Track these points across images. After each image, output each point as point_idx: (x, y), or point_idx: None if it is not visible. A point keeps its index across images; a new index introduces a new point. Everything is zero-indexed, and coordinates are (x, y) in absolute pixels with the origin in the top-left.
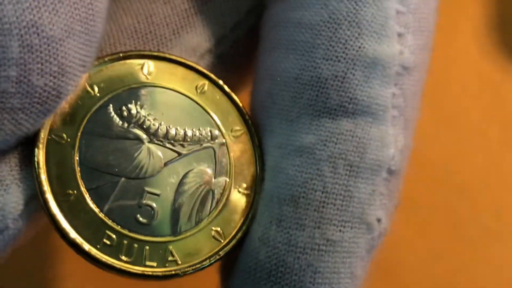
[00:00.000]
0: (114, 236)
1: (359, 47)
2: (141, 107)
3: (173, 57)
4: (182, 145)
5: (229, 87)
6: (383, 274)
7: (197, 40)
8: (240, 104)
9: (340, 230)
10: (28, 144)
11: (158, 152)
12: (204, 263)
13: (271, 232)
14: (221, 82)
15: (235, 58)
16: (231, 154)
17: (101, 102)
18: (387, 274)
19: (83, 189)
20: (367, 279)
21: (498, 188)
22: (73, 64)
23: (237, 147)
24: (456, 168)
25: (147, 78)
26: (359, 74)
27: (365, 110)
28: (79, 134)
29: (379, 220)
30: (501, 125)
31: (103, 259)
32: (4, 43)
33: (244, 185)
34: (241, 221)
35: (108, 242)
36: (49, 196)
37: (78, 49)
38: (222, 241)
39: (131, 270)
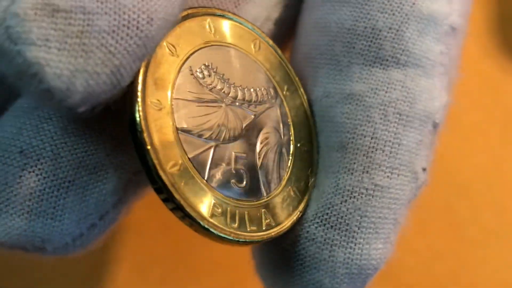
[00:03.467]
0: (219, 205)
1: (414, 3)
2: (215, 67)
3: (230, 15)
4: (255, 106)
5: (282, 50)
6: (383, 274)
7: (256, 9)
8: (287, 63)
9: (388, 176)
10: (119, 127)
11: (237, 113)
12: (290, 220)
13: (320, 178)
14: (272, 42)
15: (287, 21)
16: (289, 112)
17: (181, 63)
18: (387, 274)
19: (186, 158)
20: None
21: (498, 188)
22: None
23: (293, 104)
24: (456, 168)
25: (214, 36)
26: (413, 27)
27: (416, 63)
28: (171, 100)
29: (424, 170)
30: (502, 125)
31: (216, 230)
32: None
33: (303, 141)
34: (307, 175)
35: (217, 211)
36: (159, 169)
37: None
38: (299, 197)
39: (240, 238)
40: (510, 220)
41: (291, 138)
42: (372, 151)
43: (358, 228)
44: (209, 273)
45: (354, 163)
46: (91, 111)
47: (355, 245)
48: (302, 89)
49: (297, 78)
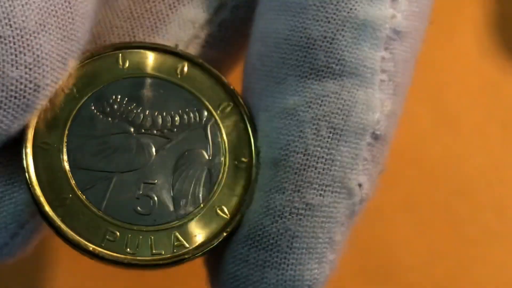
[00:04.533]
0: (117, 232)
1: (350, 9)
2: (123, 99)
3: (147, 44)
4: (171, 131)
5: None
6: (383, 274)
7: (194, 11)
8: (224, 79)
9: (320, 194)
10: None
11: (148, 141)
12: (213, 242)
13: (255, 197)
14: (200, 60)
15: (235, 24)
16: (224, 131)
17: (82, 101)
18: (387, 274)
19: (77, 191)
20: (348, 247)
21: (498, 188)
22: (49, 57)
23: (229, 121)
24: (456, 168)
25: (124, 70)
26: (348, 35)
27: (352, 72)
28: (64, 137)
29: (360, 185)
30: (501, 125)
31: (109, 256)
32: None
33: (242, 158)
34: (242, 193)
35: (111, 239)
36: (44, 204)
37: (54, 44)
38: (227, 217)
39: (138, 262)
40: (510, 220)
41: (224, 157)
42: (304, 169)
43: (290, 249)
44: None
45: (286, 181)
46: None
47: (287, 265)
48: (242, 104)
49: (236, 93)
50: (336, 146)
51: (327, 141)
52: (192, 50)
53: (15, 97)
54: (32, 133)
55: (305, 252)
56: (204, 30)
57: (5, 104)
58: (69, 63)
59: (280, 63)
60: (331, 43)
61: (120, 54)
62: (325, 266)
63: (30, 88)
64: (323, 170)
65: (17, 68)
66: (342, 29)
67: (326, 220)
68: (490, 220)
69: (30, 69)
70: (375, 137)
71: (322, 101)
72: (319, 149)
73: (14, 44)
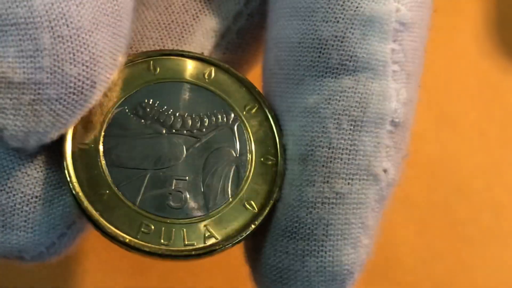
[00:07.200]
0: (151, 225)
1: (356, 7)
2: (155, 103)
3: (176, 51)
4: (200, 131)
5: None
6: (383, 274)
7: (216, 20)
8: (248, 82)
9: (348, 183)
10: None
11: (179, 140)
12: (242, 234)
13: (285, 191)
14: (226, 65)
15: (251, 31)
16: (250, 130)
17: (117, 105)
18: (387, 273)
19: (114, 187)
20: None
21: (497, 188)
22: (103, 54)
23: (255, 121)
24: (456, 167)
25: (156, 76)
26: (357, 32)
27: (365, 66)
28: (101, 138)
29: (385, 171)
30: (501, 125)
31: (145, 247)
32: (36, 35)
33: (268, 155)
34: (269, 188)
35: (146, 231)
36: (83, 199)
37: (107, 41)
38: (255, 211)
39: (172, 252)
40: (509, 220)
41: (251, 154)
42: (330, 161)
43: (326, 237)
44: (208, 273)
45: (315, 174)
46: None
47: (325, 253)
48: (267, 105)
49: (261, 95)
50: (358, 137)
51: (349, 133)
52: (215, 57)
53: (74, 93)
54: (71, 135)
55: (340, 238)
56: (225, 38)
57: (65, 100)
58: (119, 60)
59: (296, 65)
60: (342, 41)
61: (152, 61)
62: (360, 251)
63: (87, 85)
64: (348, 160)
65: (75, 66)
66: (351, 27)
67: (357, 206)
68: (489, 219)
69: (87, 66)
70: (395, 124)
71: (340, 96)
72: (342, 141)
73: (72, 43)
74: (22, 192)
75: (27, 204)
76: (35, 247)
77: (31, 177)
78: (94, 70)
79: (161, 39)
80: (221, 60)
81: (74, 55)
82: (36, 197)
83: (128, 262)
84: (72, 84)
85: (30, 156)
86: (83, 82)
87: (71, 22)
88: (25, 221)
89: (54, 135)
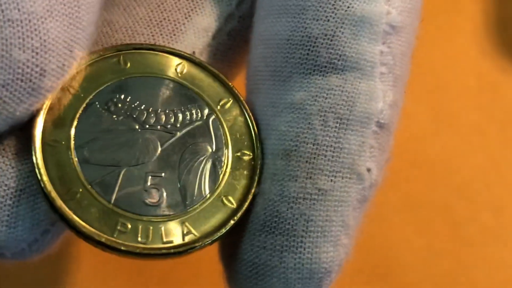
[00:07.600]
0: (127, 223)
1: (348, 7)
2: (127, 98)
3: (147, 45)
4: (175, 126)
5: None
6: (383, 274)
7: (207, 20)
8: (222, 76)
9: (331, 180)
10: None
11: (153, 136)
12: (221, 230)
13: (266, 186)
14: (198, 59)
15: (242, 32)
16: (225, 125)
17: (87, 100)
18: (387, 273)
19: (87, 185)
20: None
21: (497, 188)
22: (56, 43)
23: (229, 116)
24: (456, 167)
25: (126, 70)
26: (348, 32)
27: (354, 66)
28: (72, 135)
29: (369, 170)
30: (501, 125)
31: (122, 246)
32: None
33: (244, 150)
34: (248, 183)
35: (123, 230)
36: (55, 198)
37: (61, 30)
38: (234, 206)
39: (150, 251)
40: (509, 219)
41: (227, 149)
42: (314, 157)
43: (306, 233)
44: (208, 273)
45: (298, 169)
46: None
47: (304, 249)
48: (241, 99)
49: (235, 89)
50: (344, 135)
51: (335, 131)
52: (205, 58)
53: (21, 80)
54: (40, 132)
55: (320, 235)
56: (216, 38)
57: (12, 87)
58: (76, 52)
59: (284, 62)
60: (331, 40)
61: (122, 55)
62: (339, 250)
63: (36, 72)
64: (333, 157)
65: (24, 52)
66: (341, 26)
67: (339, 204)
68: (489, 219)
69: (36, 53)
70: (380, 125)
71: (327, 94)
72: (327, 138)
73: (22, 28)
74: (6, 185)
75: (11, 198)
76: (17, 243)
77: (16, 170)
78: (45, 58)
79: (153, 36)
80: (211, 62)
81: (23, 40)
82: (21, 190)
83: (128, 262)
84: (20, 70)
85: (16, 148)
86: (31, 69)
87: (22, 7)
88: (8, 215)
89: (2, 125)
